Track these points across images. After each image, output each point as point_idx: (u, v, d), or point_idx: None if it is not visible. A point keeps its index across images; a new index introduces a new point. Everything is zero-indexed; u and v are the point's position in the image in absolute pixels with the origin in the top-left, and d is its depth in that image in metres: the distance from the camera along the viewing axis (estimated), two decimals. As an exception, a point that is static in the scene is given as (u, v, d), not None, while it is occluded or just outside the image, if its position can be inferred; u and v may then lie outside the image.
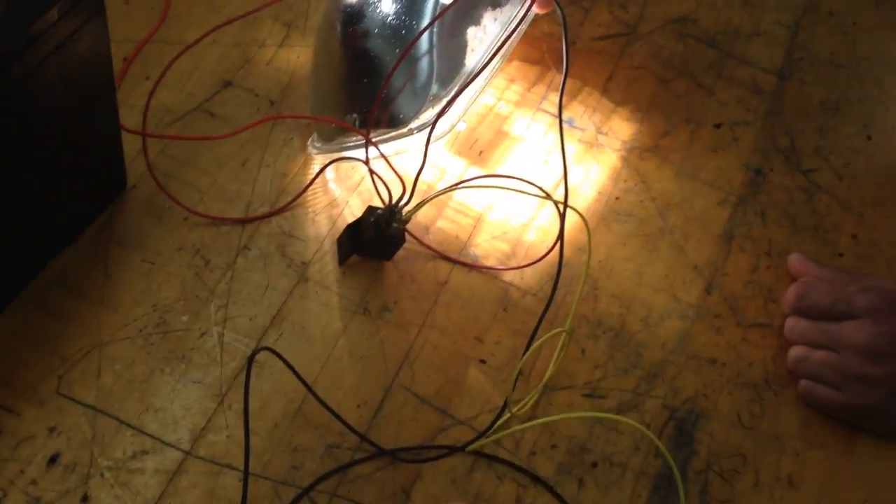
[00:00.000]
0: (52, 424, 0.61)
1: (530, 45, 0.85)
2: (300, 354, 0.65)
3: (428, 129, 0.63)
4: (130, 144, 0.70)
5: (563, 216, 0.66)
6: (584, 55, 0.86)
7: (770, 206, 0.79)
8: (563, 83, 0.68)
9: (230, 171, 0.73)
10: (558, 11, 0.68)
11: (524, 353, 0.65)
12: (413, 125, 0.66)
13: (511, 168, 0.77)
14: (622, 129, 0.81)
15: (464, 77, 0.66)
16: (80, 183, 0.65)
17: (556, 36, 0.86)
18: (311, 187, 0.73)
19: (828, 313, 0.69)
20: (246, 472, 0.53)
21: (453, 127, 0.69)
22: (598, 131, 0.81)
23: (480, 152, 0.78)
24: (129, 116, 0.72)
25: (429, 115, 0.66)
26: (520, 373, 0.66)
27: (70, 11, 0.54)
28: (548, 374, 0.67)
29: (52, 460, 0.60)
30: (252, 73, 0.78)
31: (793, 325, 0.71)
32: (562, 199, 0.66)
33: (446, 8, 0.65)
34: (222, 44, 0.79)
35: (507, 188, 0.67)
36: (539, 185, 0.67)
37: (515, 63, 0.83)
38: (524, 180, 0.67)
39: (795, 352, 0.70)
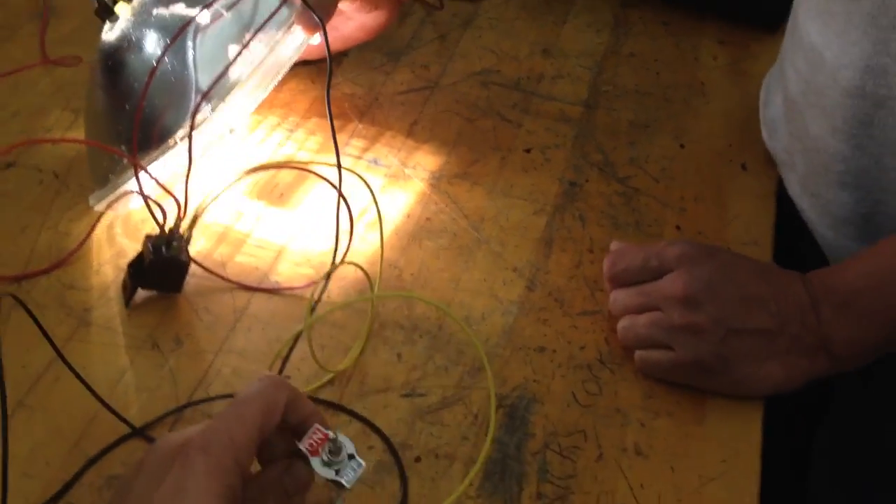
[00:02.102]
0: None
1: (332, 105, 0.85)
2: (80, 394, 0.58)
3: (188, 137, 0.61)
4: None
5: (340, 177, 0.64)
6: (386, 108, 0.86)
7: (588, 210, 0.78)
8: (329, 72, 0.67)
9: (8, 238, 0.69)
10: (316, 19, 0.68)
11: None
12: (177, 136, 0.64)
13: (313, 203, 0.74)
14: (429, 161, 0.80)
15: (224, 88, 0.64)
16: None
17: (357, 95, 0.86)
18: (96, 242, 0.69)
19: (642, 272, 0.66)
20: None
21: (222, 135, 0.67)
22: (404, 165, 0.79)
23: (281, 195, 0.76)
24: None
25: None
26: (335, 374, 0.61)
27: None
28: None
29: None
30: (37, 154, 0.76)
31: (614, 297, 0.67)
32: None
33: (185, 25, 0.65)
34: (9, 132, 0.78)
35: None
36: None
37: (315, 119, 0.83)
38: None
39: (622, 322, 0.66)
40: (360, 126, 0.83)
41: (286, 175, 0.76)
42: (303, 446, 0.48)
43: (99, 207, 0.69)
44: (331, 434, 0.48)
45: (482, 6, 1.00)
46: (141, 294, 0.65)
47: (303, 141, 0.80)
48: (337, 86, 0.87)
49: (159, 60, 0.64)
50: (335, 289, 0.67)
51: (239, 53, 0.65)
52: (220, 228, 0.71)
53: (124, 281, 0.65)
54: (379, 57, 0.91)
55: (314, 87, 0.86)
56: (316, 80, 0.87)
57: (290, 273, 0.69)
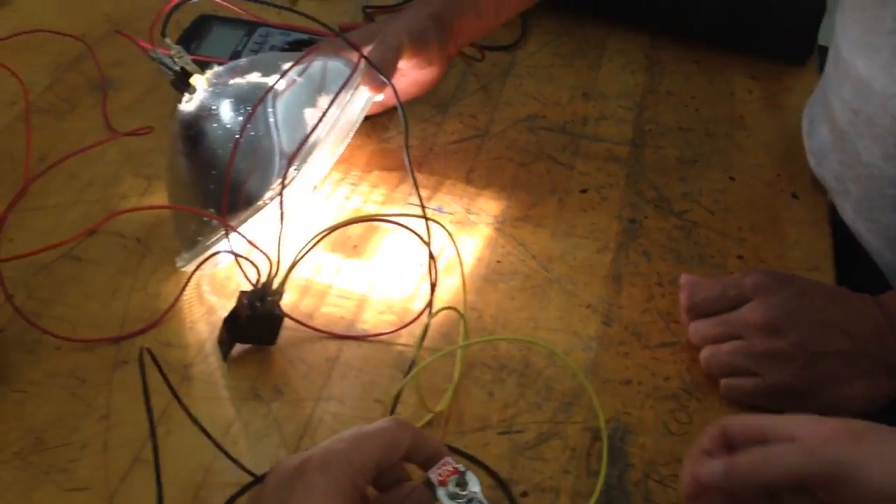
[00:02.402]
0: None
1: (389, 157, 0.88)
2: (192, 446, 0.60)
3: (278, 195, 0.64)
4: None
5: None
6: (442, 157, 0.88)
7: (651, 246, 0.80)
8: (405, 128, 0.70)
9: (100, 302, 0.71)
10: (382, 78, 0.71)
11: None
12: (265, 197, 0.66)
13: (386, 252, 0.77)
14: (491, 206, 0.83)
15: (307, 150, 0.67)
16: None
17: (412, 146, 0.89)
18: (186, 301, 0.71)
19: (720, 302, 0.68)
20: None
21: (306, 193, 0.70)
22: (468, 212, 0.82)
23: (355, 246, 0.78)
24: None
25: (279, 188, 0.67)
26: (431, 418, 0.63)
27: None
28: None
29: None
30: (118, 222, 0.78)
31: (695, 328, 0.70)
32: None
33: (265, 92, 0.68)
34: (84, 202, 0.80)
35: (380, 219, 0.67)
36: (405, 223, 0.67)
37: (377, 172, 0.86)
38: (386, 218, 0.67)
39: (705, 352, 0.68)
40: (420, 176, 0.85)
41: (356, 228, 0.79)
42: (432, 475, 0.50)
43: (188, 268, 0.71)
44: (460, 468, 0.50)
45: (518, 55, 1.03)
46: (237, 348, 0.67)
47: (368, 194, 0.83)
48: (391, 139, 0.89)
49: (244, 127, 0.67)
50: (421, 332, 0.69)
51: (320, 119, 0.67)
52: (302, 282, 0.74)
53: (220, 336, 0.67)
54: (428, 109, 0.94)
55: (371, 142, 0.89)
56: (371, 134, 0.90)
57: (375, 321, 0.71)
